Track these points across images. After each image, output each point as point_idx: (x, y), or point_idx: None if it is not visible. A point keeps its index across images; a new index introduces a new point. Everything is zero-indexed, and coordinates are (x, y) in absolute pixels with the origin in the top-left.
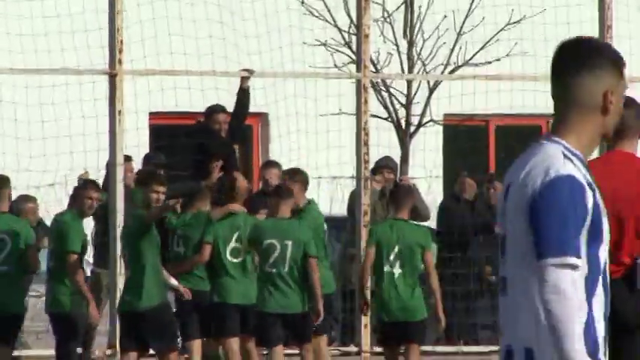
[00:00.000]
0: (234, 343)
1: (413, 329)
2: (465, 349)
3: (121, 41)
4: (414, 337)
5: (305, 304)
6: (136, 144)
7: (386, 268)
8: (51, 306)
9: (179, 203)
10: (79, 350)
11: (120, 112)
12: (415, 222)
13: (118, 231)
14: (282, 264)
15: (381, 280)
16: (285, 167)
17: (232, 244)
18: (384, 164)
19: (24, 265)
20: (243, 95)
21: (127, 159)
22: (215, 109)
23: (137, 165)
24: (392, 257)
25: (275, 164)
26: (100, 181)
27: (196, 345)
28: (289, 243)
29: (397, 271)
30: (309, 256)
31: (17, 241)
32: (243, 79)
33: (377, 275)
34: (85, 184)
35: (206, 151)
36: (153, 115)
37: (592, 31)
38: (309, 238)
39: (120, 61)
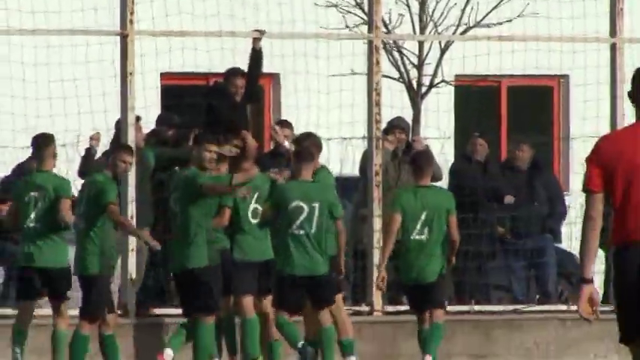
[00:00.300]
0: (250, 301)
1: (440, 293)
2: (477, 308)
3: (133, 1)
4: (443, 300)
5: (328, 266)
6: (147, 105)
7: (413, 236)
8: (80, 269)
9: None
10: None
11: (131, 73)
12: (437, 186)
13: (130, 190)
14: (310, 226)
15: (408, 247)
16: (296, 127)
17: (253, 204)
18: (396, 124)
19: (58, 221)
20: (256, 56)
21: (136, 119)
22: (235, 72)
23: (146, 125)
24: (419, 225)
25: (287, 124)
26: (108, 142)
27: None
28: (317, 205)
29: (425, 237)
30: (335, 217)
31: (57, 196)
32: (255, 40)
33: (402, 242)
34: (118, 148)
35: (216, 113)
36: (164, 76)
37: None
38: (335, 199)
39: (131, 22)
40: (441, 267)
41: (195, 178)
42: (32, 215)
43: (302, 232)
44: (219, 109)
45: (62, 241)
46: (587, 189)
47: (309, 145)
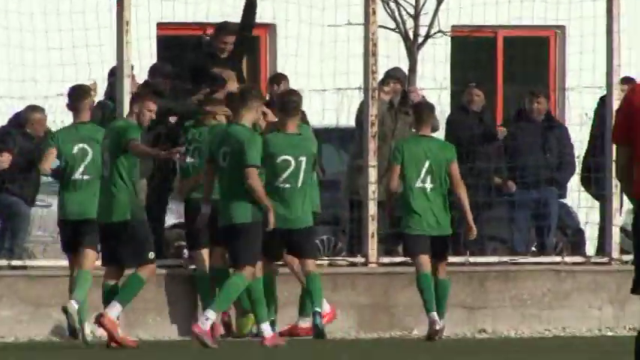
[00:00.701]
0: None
1: (444, 243)
2: (472, 259)
3: None
4: (446, 251)
5: (311, 219)
6: (144, 55)
7: (417, 184)
8: (103, 216)
9: (182, 158)
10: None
11: (128, 22)
12: (439, 137)
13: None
14: (296, 180)
15: (411, 196)
16: (292, 79)
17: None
18: (392, 75)
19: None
20: (250, 6)
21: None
22: (223, 29)
23: (139, 74)
24: (423, 173)
25: (283, 77)
26: (103, 92)
27: (204, 253)
28: (303, 159)
29: (429, 186)
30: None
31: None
32: None
33: (406, 191)
34: (144, 96)
35: (201, 70)
36: (161, 26)
37: None
38: (316, 151)
39: None
40: (449, 220)
41: (129, 136)
42: (81, 167)
43: (287, 185)
44: (203, 67)
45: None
46: (613, 140)
47: (295, 98)
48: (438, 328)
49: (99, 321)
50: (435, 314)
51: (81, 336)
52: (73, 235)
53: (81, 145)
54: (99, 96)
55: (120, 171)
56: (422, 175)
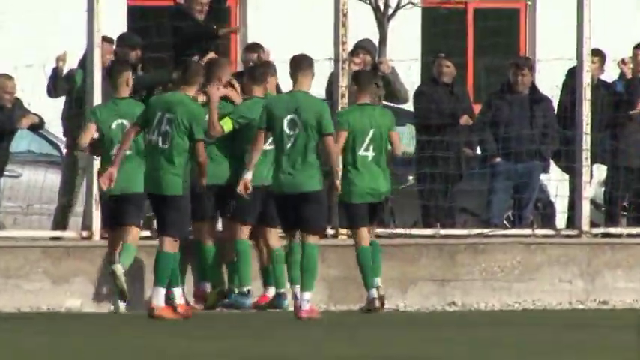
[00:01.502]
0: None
1: (380, 210)
2: (443, 232)
3: None
4: (379, 216)
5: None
6: (114, 25)
7: (360, 153)
8: (164, 189)
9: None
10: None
11: None
12: (378, 105)
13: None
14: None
15: (354, 164)
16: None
17: None
18: (361, 46)
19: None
20: None
21: (109, 41)
22: None
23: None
24: (366, 142)
25: (258, 47)
26: (76, 63)
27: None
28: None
29: (370, 154)
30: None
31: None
32: None
33: (349, 160)
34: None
35: (184, 36)
36: None
37: None
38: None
39: None
40: (388, 188)
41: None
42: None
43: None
44: (184, 29)
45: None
46: None
47: (306, 56)
48: (377, 305)
49: (153, 316)
50: (374, 291)
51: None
52: (115, 210)
53: (120, 120)
54: (69, 66)
55: (182, 147)
56: (365, 144)
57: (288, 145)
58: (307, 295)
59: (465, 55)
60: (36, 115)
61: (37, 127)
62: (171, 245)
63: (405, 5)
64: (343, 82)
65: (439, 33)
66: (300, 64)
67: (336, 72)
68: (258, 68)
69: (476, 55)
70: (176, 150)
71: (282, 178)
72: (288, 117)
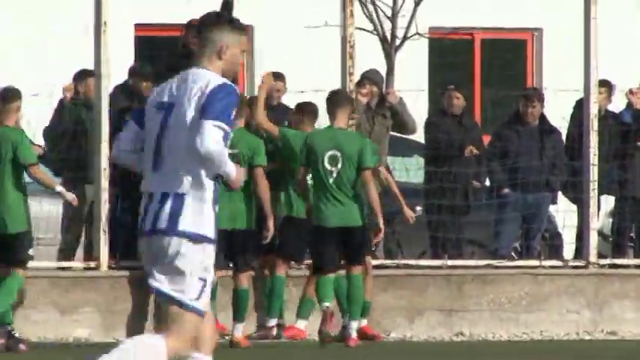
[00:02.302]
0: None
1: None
2: (450, 262)
3: None
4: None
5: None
6: (122, 56)
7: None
8: (238, 223)
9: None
10: None
11: (105, 22)
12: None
13: (104, 145)
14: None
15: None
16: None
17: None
18: (368, 77)
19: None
20: (226, 4)
21: (89, 74)
22: (192, 26)
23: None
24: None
25: (281, 77)
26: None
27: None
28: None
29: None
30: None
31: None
32: None
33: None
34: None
35: (174, 70)
36: (139, 27)
37: None
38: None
39: None
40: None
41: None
42: None
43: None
44: (177, 67)
45: None
46: None
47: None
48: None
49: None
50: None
51: None
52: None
53: None
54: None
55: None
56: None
57: (330, 181)
58: (355, 324)
59: (472, 86)
60: (39, 146)
61: (41, 158)
62: (248, 281)
63: (412, 36)
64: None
65: (446, 64)
66: (338, 100)
67: None
68: (311, 104)
69: (483, 85)
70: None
71: (325, 212)
72: (329, 153)
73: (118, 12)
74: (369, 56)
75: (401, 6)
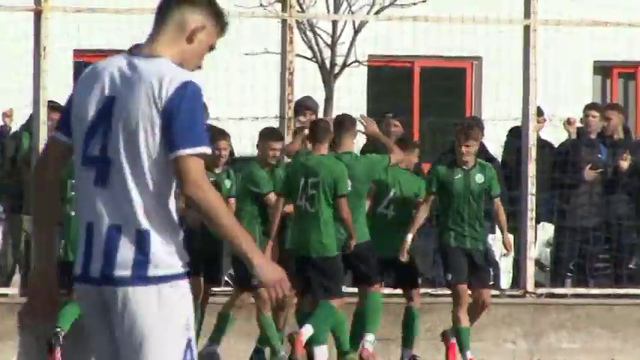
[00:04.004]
0: None
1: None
2: (386, 291)
3: None
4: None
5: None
6: (60, 83)
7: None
8: (324, 250)
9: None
10: None
11: (45, 48)
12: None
13: None
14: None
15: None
16: (210, 106)
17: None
18: (304, 104)
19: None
20: None
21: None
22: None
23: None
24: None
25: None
26: (25, 119)
27: None
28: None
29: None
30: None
31: None
32: None
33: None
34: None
35: None
36: (77, 53)
37: None
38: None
39: None
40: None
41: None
42: None
43: None
44: None
45: None
46: None
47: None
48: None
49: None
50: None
51: None
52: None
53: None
54: (14, 125)
55: (330, 208)
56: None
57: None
58: (371, 336)
59: (411, 114)
60: None
61: None
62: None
63: (351, 63)
64: (289, 140)
65: (385, 91)
66: (344, 125)
67: (282, 130)
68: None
69: (422, 114)
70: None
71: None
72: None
73: (57, 38)
74: (308, 83)
75: (340, 34)
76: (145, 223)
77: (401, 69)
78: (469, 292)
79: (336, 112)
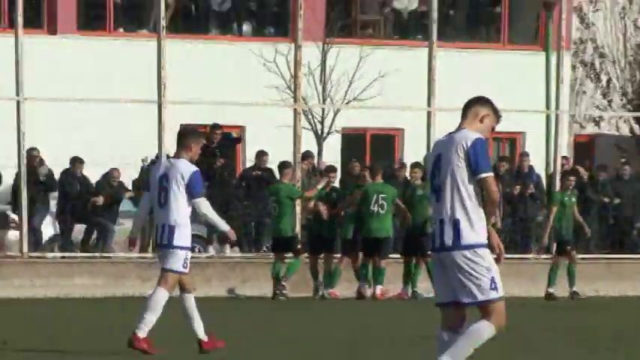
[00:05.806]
0: None
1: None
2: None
3: None
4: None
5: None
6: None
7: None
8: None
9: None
10: None
11: (25, 99)
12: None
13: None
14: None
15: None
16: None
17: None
18: (309, 155)
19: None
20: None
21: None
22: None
23: None
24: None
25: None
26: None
27: None
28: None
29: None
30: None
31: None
32: None
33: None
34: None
35: None
36: None
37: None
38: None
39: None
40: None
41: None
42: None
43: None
44: None
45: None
46: None
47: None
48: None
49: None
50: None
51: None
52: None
53: None
54: None
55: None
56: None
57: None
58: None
59: (365, 161)
60: None
61: None
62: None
63: (332, 132)
64: (298, 172)
65: (352, 148)
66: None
67: (294, 165)
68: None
69: (372, 160)
70: None
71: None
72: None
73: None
74: (309, 143)
75: (327, 114)
76: None
77: (359, 135)
78: None
79: (325, 160)
